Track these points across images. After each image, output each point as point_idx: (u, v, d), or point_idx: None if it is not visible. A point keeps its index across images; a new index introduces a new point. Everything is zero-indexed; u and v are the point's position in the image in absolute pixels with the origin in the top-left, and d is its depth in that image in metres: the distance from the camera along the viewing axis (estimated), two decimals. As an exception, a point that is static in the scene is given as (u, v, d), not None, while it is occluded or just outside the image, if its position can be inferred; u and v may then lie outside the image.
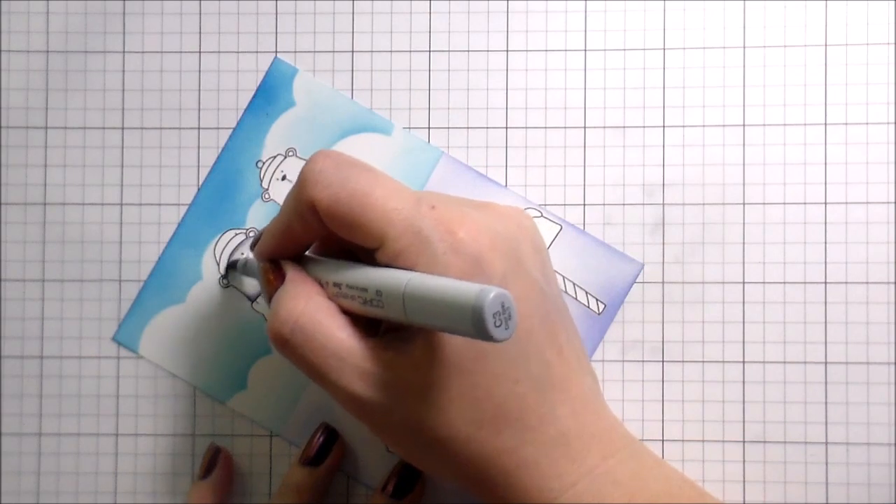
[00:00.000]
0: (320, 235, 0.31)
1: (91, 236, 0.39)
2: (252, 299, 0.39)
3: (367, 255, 0.31)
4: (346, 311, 0.31)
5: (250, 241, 0.39)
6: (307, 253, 0.34)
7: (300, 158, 0.39)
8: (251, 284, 0.39)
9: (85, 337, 0.39)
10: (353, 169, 0.30)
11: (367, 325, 0.31)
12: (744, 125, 0.38)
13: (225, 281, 0.39)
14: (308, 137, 0.39)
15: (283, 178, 0.39)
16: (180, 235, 0.39)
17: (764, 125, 0.38)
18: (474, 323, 0.24)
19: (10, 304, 0.39)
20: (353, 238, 0.30)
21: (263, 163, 0.39)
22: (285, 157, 0.39)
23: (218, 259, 0.39)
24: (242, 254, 0.38)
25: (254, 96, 0.39)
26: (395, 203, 0.29)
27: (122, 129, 0.40)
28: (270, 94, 0.39)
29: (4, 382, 0.39)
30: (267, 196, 0.39)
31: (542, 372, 0.30)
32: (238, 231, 0.39)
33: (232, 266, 0.39)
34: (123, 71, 0.40)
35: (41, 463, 0.39)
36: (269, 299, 0.32)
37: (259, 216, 0.39)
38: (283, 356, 0.31)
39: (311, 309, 0.30)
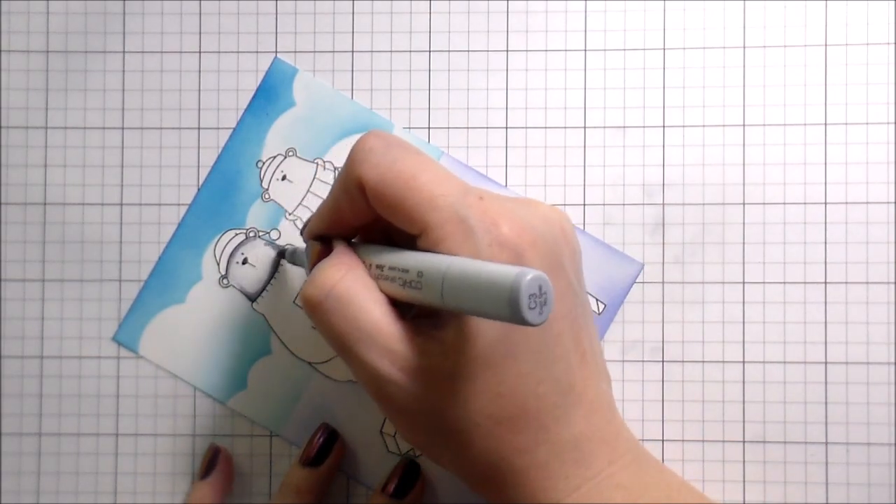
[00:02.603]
0: (367, 217, 0.31)
1: (91, 236, 0.39)
2: (252, 299, 0.39)
3: (409, 243, 0.30)
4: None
5: (252, 238, 0.39)
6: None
7: (300, 158, 0.39)
8: (255, 280, 0.39)
9: (85, 337, 0.39)
10: (402, 150, 0.30)
11: (403, 311, 0.30)
12: (744, 125, 0.38)
13: (225, 281, 0.39)
14: (308, 137, 0.39)
15: (284, 177, 0.39)
16: (180, 235, 0.39)
17: (764, 125, 0.38)
18: (510, 303, 0.24)
19: (10, 304, 0.39)
20: (397, 221, 0.29)
21: (263, 163, 0.39)
22: (285, 157, 0.39)
23: (218, 259, 0.39)
24: (289, 245, 0.38)
25: (254, 96, 0.39)
26: (442, 189, 0.29)
27: (122, 129, 0.40)
28: (270, 94, 0.39)
29: (4, 382, 0.39)
30: (267, 196, 0.39)
31: (564, 375, 0.30)
32: (238, 231, 0.39)
33: (280, 255, 0.39)
34: (123, 71, 0.40)
35: (41, 463, 0.39)
36: (311, 263, 0.32)
37: (259, 216, 0.39)
38: (312, 320, 0.30)
39: (350, 279, 0.30)
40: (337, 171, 0.39)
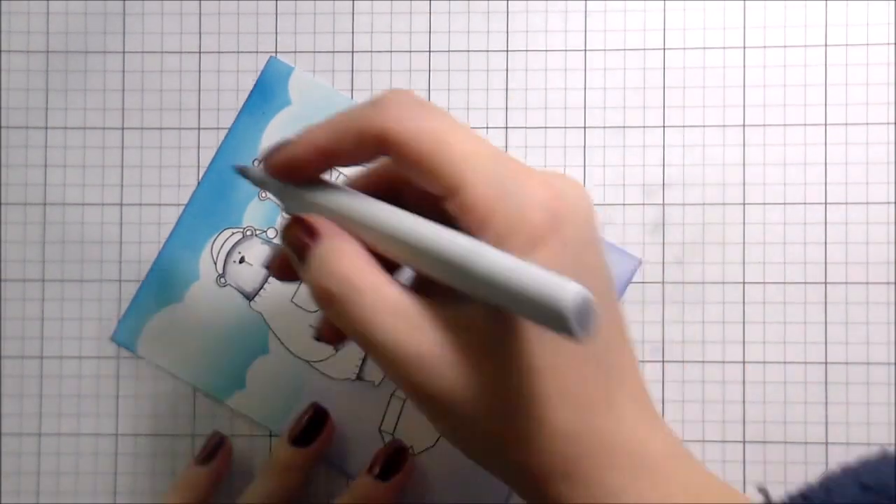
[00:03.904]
0: (359, 163, 0.29)
1: (91, 236, 0.39)
2: (250, 298, 0.39)
3: (411, 200, 0.29)
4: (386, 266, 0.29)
5: (249, 237, 0.39)
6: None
7: None
8: (253, 279, 0.39)
9: (85, 337, 0.39)
10: (430, 107, 0.28)
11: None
12: (744, 125, 0.38)
13: (223, 280, 0.39)
14: None
15: None
16: (177, 235, 0.39)
17: (764, 125, 0.38)
18: (556, 319, 0.23)
19: (10, 304, 0.39)
20: (424, 178, 0.28)
21: (260, 162, 0.39)
22: None
23: (215, 258, 0.39)
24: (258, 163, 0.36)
25: (250, 95, 0.39)
26: (477, 148, 0.27)
27: (122, 129, 0.40)
28: (266, 93, 0.39)
29: (4, 382, 0.39)
30: (264, 195, 0.39)
31: (604, 352, 0.28)
32: (235, 230, 0.39)
33: (242, 172, 0.34)
34: (123, 71, 0.40)
35: (41, 463, 0.39)
36: (299, 255, 0.29)
37: (256, 215, 0.39)
38: (327, 314, 0.29)
39: (360, 265, 0.28)
40: (334, 169, 0.39)
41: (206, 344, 0.39)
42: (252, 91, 0.39)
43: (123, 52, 0.40)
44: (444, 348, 0.27)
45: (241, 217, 0.39)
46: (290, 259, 0.30)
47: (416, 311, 0.27)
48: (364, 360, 0.39)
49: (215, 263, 0.39)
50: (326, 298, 0.28)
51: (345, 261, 0.28)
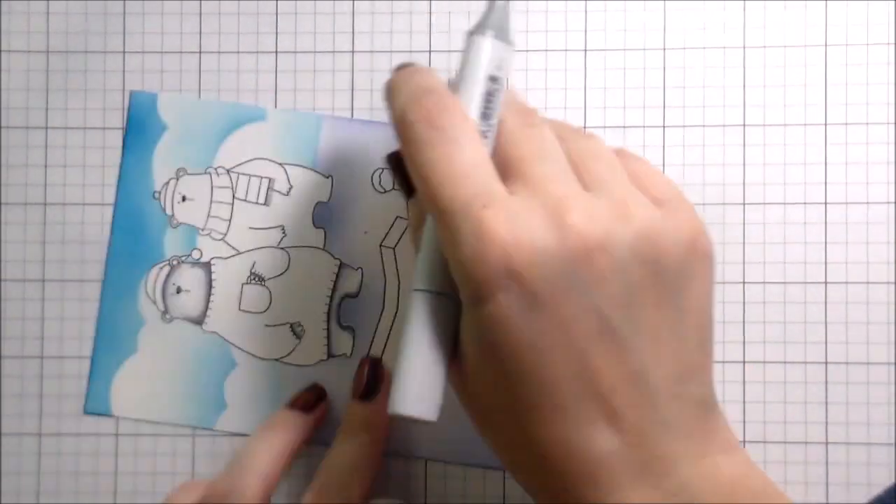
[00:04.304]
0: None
1: (91, 236, 0.39)
2: (200, 322, 0.39)
3: None
4: None
5: (177, 266, 0.38)
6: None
7: (192, 174, 0.39)
8: (195, 304, 0.39)
9: (85, 337, 0.39)
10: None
11: None
12: (744, 125, 0.38)
13: (168, 316, 0.39)
14: (192, 152, 0.39)
15: (183, 198, 0.39)
16: (108, 288, 0.39)
17: (764, 125, 0.38)
18: None
19: (10, 304, 0.39)
20: None
21: (159, 192, 0.39)
22: (178, 179, 0.39)
23: (153, 298, 0.39)
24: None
25: (125, 135, 0.39)
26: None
27: (123, 129, 0.40)
28: (140, 127, 0.39)
29: (4, 382, 0.39)
30: (175, 221, 0.39)
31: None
32: (161, 264, 0.39)
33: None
34: (123, 71, 0.40)
35: (41, 463, 0.39)
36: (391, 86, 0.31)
37: (175, 243, 0.39)
38: (413, 120, 0.29)
39: (442, 90, 0.30)
40: (231, 173, 0.39)
41: (175, 381, 0.38)
42: (126, 130, 0.39)
43: (123, 52, 0.40)
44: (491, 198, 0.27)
45: (162, 250, 0.39)
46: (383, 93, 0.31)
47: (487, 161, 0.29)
48: (329, 339, 0.38)
49: (154, 303, 0.39)
50: (419, 96, 0.29)
51: (433, 78, 0.30)
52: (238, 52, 0.40)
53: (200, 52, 0.40)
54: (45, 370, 0.39)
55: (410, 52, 0.39)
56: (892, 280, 0.38)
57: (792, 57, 0.39)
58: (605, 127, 0.39)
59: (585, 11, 0.39)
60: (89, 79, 0.40)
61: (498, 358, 0.27)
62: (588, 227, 0.27)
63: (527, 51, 0.39)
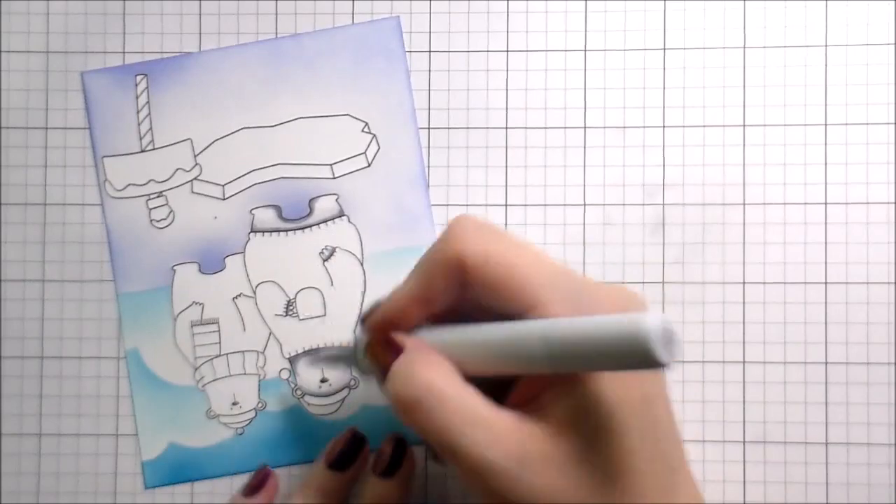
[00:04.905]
0: (453, 299, 0.31)
1: (91, 236, 0.39)
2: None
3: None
4: (470, 380, 0.30)
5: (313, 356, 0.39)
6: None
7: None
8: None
9: (85, 337, 0.39)
10: (501, 231, 0.30)
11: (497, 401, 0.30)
12: (744, 125, 0.38)
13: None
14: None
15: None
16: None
17: (764, 125, 0.38)
18: (642, 345, 0.24)
19: (10, 304, 0.39)
20: (500, 297, 0.29)
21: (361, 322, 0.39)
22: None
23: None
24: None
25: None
26: (547, 266, 0.29)
27: (122, 129, 0.40)
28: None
29: (4, 382, 0.39)
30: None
31: (670, 454, 0.30)
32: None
33: (313, 353, 0.38)
34: (123, 71, 0.40)
35: (41, 463, 0.39)
36: (382, 374, 0.31)
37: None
38: (409, 422, 0.29)
39: (443, 374, 0.29)
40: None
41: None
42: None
43: (123, 52, 0.40)
44: (519, 462, 0.28)
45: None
46: (376, 377, 0.31)
47: (497, 421, 0.29)
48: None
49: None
50: (410, 406, 0.29)
51: (428, 370, 0.29)
52: (238, 53, 0.40)
53: (200, 53, 0.40)
54: (45, 370, 0.39)
55: (410, 51, 0.39)
56: (892, 280, 0.38)
57: (792, 57, 0.39)
58: (605, 127, 0.39)
59: (585, 12, 0.39)
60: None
61: None
62: None
63: (527, 51, 0.39)
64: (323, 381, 0.39)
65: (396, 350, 0.31)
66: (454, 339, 0.30)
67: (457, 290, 0.30)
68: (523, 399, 0.29)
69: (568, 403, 0.28)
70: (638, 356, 0.24)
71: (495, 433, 0.28)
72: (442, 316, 0.31)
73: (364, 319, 0.33)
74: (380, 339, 0.31)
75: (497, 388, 0.30)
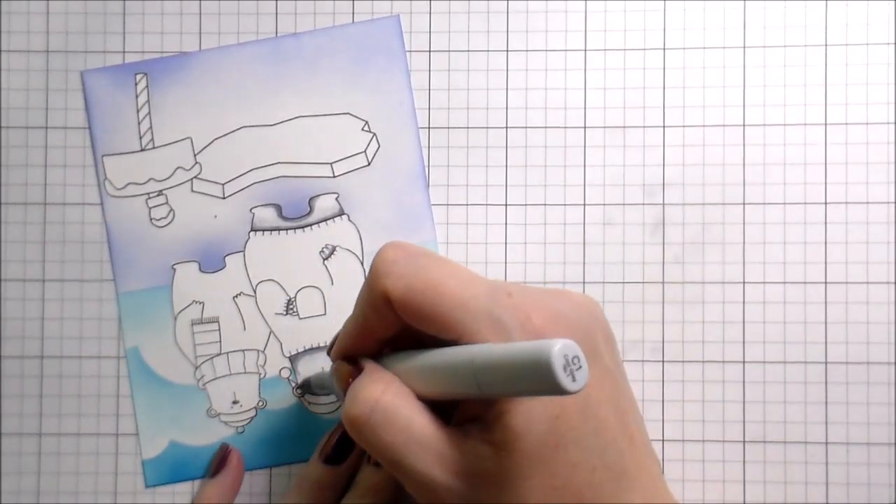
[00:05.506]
0: (396, 328, 0.31)
1: (91, 236, 0.39)
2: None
3: (440, 346, 0.30)
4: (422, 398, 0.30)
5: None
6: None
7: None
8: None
9: (85, 337, 0.39)
10: (426, 258, 0.30)
11: (445, 418, 0.30)
12: (744, 125, 0.38)
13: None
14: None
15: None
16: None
17: (764, 125, 0.38)
18: (544, 374, 0.24)
19: (10, 304, 0.39)
20: (429, 328, 0.29)
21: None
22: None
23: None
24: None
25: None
26: (472, 292, 0.29)
27: (123, 128, 0.40)
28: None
29: (4, 382, 0.39)
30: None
31: (616, 460, 0.29)
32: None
33: (304, 387, 0.38)
34: (123, 71, 0.40)
35: (41, 463, 0.39)
36: (343, 389, 0.31)
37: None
38: (357, 439, 0.30)
39: (391, 393, 0.30)
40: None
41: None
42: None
43: (123, 52, 0.40)
44: (463, 479, 0.28)
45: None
46: (338, 396, 0.32)
47: (441, 441, 0.29)
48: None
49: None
50: (358, 422, 0.29)
51: (379, 389, 0.30)
52: (238, 52, 0.40)
53: (200, 52, 0.40)
54: (45, 369, 0.39)
55: (410, 51, 0.39)
56: (892, 280, 0.38)
57: (792, 57, 0.39)
58: (605, 127, 0.39)
59: (585, 11, 0.39)
60: (89, 78, 0.40)
61: None
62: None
63: (527, 51, 0.39)
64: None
65: (357, 371, 0.31)
66: (402, 364, 0.30)
67: (395, 321, 0.30)
68: (469, 416, 0.30)
69: (508, 421, 0.28)
70: (545, 384, 0.24)
71: (439, 451, 0.29)
72: (405, 341, 0.32)
73: (328, 351, 0.34)
74: (345, 363, 0.32)
75: (452, 405, 0.30)
